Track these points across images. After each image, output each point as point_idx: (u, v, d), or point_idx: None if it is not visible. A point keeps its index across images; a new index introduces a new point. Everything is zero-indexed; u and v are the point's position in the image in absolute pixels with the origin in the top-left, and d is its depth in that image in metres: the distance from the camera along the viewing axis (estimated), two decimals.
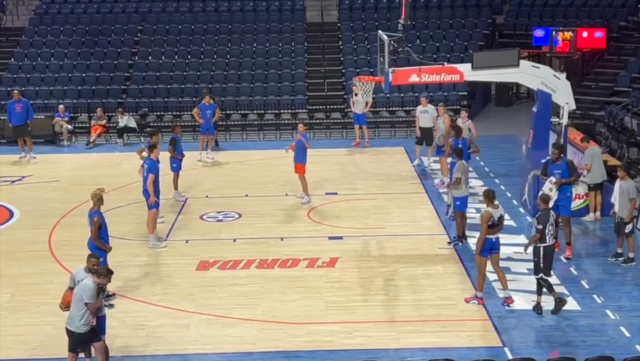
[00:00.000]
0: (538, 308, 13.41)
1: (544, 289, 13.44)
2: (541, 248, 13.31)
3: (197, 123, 24.44)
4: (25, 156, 24.06)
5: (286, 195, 19.61)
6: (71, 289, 11.44)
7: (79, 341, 11.18)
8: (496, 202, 13.73)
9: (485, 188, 15.55)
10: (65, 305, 11.41)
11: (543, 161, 16.81)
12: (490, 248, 13.48)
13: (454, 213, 16.73)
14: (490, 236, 13.40)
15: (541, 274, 13.37)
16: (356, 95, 24.68)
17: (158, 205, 16.81)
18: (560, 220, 15.26)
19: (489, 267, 13.67)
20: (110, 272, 11.41)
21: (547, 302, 13.57)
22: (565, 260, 15.43)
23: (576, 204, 17.52)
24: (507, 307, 13.48)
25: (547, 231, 13.33)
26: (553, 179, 15.55)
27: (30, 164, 23.70)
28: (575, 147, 19.13)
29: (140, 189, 16.97)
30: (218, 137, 25.92)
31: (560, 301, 13.40)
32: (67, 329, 11.15)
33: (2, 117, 26.30)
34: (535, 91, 18.35)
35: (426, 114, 22.40)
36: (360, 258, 16.01)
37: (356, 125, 25.02)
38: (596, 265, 15.53)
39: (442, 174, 20.66)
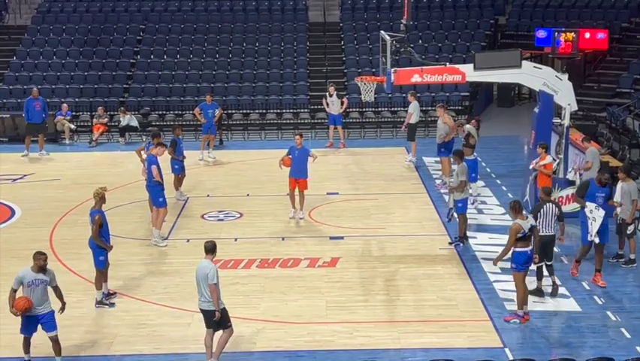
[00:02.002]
0: (553, 291, 13.90)
1: (547, 272, 13.94)
2: None
3: (198, 123, 24.49)
4: (28, 154, 24.22)
5: (287, 194, 19.58)
6: (14, 291, 11.38)
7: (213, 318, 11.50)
8: (525, 213, 13.26)
9: (513, 199, 14.42)
10: (20, 310, 11.33)
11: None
12: (526, 261, 13.03)
13: (456, 215, 16.66)
14: (525, 249, 12.97)
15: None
16: (330, 95, 24.68)
17: (166, 203, 16.79)
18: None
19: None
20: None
21: (542, 302, 13.61)
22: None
23: (573, 206, 17.52)
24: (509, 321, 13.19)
25: (538, 221, 13.62)
26: (593, 206, 14.38)
27: (43, 161, 23.86)
28: (577, 148, 19.14)
29: (143, 188, 16.98)
30: (223, 135, 26.01)
31: (536, 291, 13.76)
32: (205, 309, 11.47)
33: (4, 115, 26.39)
34: (537, 92, 18.36)
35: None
36: (361, 258, 16.01)
37: (331, 125, 25.01)
38: None
39: (443, 174, 20.67)
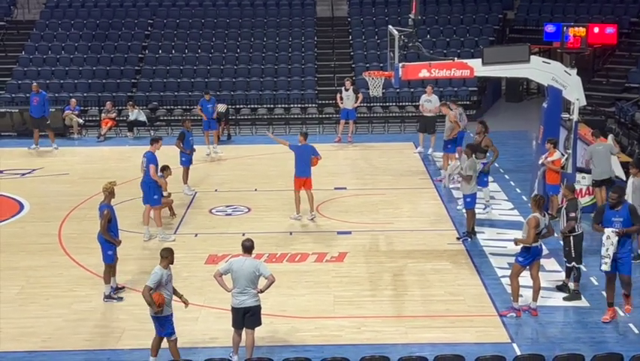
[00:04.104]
0: (566, 289, 13.83)
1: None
2: (571, 238, 13.52)
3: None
4: (37, 148, 24.33)
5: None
6: (151, 289, 11.05)
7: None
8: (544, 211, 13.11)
9: (535, 193, 14.23)
10: (162, 304, 11.23)
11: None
12: (533, 256, 12.93)
13: (465, 210, 16.61)
14: (535, 244, 12.86)
15: (573, 263, 13.64)
16: (347, 89, 24.68)
17: (160, 201, 16.81)
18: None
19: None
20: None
21: (550, 297, 13.59)
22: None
23: (585, 200, 17.53)
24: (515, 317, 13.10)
25: (579, 217, 13.53)
26: (611, 231, 12.73)
27: (52, 156, 23.95)
28: (586, 143, 19.07)
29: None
30: (231, 130, 26.02)
31: (575, 294, 13.64)
32: (250, 306, 11.35)
33: (12, 110, 26.46)
34: (545, 87, 18.30)
35: (429, 103, 22.84)
36: (369, 253, 16.01)
37: (342, 120, 24.99)
38: None
39: (446, 169, 20.64)
